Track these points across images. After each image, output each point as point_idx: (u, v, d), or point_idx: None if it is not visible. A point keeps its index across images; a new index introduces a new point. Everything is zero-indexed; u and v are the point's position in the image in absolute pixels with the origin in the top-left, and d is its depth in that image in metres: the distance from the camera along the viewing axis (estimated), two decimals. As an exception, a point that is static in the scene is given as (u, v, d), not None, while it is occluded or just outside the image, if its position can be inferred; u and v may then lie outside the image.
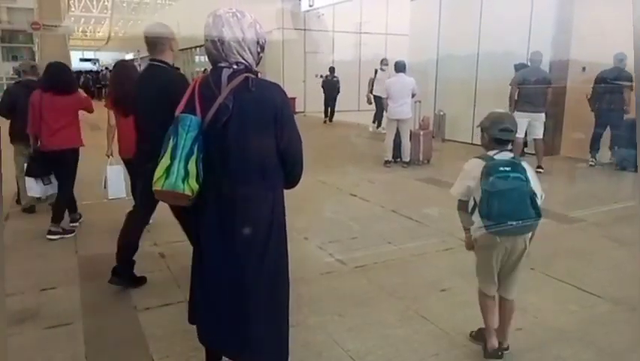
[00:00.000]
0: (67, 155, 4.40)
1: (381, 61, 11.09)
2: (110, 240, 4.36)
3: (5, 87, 10.71)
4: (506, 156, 2.47)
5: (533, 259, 3.89)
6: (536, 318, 3.01)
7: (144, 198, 3.19)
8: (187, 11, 24.55)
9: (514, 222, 2.39)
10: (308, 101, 16.24)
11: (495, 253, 2.48)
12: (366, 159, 8.44)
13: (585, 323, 2.99)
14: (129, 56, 44.50)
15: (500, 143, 2.49)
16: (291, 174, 2.09)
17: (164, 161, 1.88)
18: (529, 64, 7.48)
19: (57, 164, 4.43)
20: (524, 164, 2.49)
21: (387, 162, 7.80)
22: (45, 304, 3.20)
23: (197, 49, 26.29)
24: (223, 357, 2.26)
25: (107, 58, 46.55)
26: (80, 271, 3.73)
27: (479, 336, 2.68)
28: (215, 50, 1.96)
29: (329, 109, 14.27)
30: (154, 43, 3.19)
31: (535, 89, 6.99)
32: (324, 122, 14.19)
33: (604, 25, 6.92)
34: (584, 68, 8.23)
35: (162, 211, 5.02)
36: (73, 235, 4.52)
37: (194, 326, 2.17)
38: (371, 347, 2.69)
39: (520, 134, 7.18)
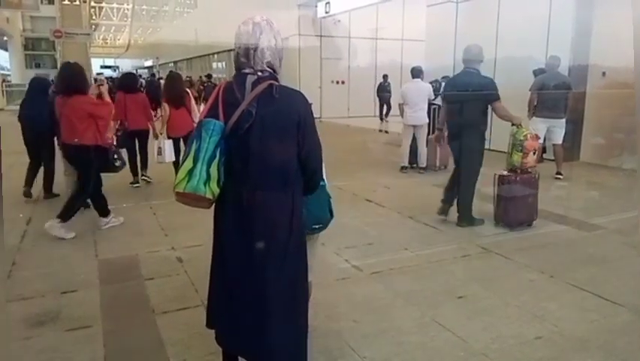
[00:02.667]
0: (143, 132, 6.74)
1: (443, 78, 10.82)
2: (129, 244, 4.45)
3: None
4: None
5: (552, 266, 3.87)
6: (556, 327, 2.96)
7: (467, 158, 4.71)
8: (205, 19, 24.90)
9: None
10: (324, 107, 16.31)
11: None
12: (382, 164, 8.42)
13: (606, 332, 2.93)
14: (148, 63, 45.31)
15: None
16: (310, 180, 2.10)
17: (187, 164, 1.92)
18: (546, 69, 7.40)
19: (138, 137, 6.72)
20: None
21: (403, 167, 7.77)
22: (65, 307, 3.25)
23: (215, 55, 26.62)
24: (240, 359, 2.27)
25: (127, 65, 47.37)
26: (99, 274, 3.78)
27: None
28: (245, 56, 1.98)
29: (384, 110, 16.61)
30: (473, 56, 4.73)
31: (554, 94, 6.90)
32: (381, 121, 16.44)
33: (624, 28, 6.82)
34: (603, 73, 8.10)
35: (178, 216, 5.12)
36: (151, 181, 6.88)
37: (212, 330, 2.18)
38: (387, 354, 2.68)
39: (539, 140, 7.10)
